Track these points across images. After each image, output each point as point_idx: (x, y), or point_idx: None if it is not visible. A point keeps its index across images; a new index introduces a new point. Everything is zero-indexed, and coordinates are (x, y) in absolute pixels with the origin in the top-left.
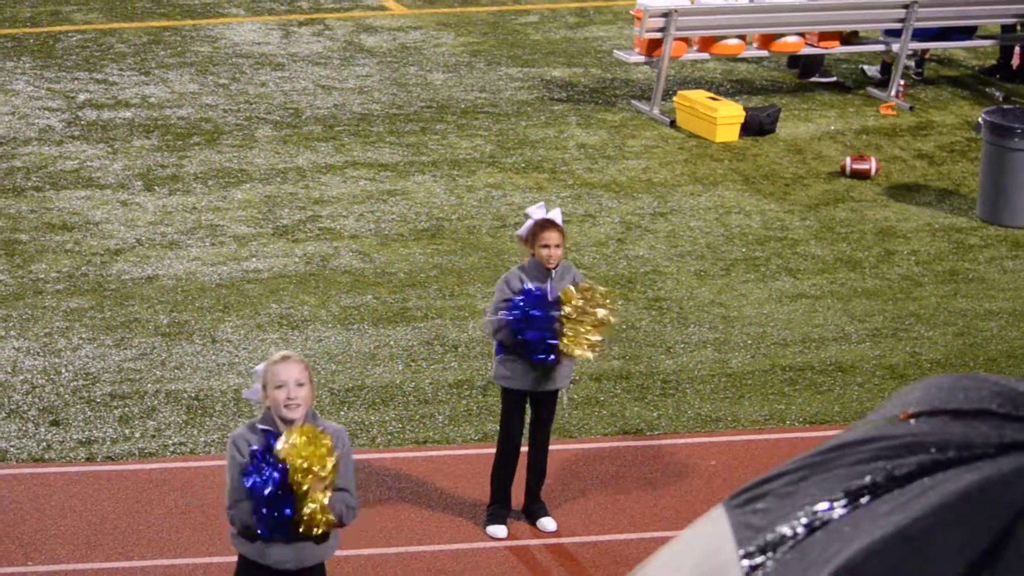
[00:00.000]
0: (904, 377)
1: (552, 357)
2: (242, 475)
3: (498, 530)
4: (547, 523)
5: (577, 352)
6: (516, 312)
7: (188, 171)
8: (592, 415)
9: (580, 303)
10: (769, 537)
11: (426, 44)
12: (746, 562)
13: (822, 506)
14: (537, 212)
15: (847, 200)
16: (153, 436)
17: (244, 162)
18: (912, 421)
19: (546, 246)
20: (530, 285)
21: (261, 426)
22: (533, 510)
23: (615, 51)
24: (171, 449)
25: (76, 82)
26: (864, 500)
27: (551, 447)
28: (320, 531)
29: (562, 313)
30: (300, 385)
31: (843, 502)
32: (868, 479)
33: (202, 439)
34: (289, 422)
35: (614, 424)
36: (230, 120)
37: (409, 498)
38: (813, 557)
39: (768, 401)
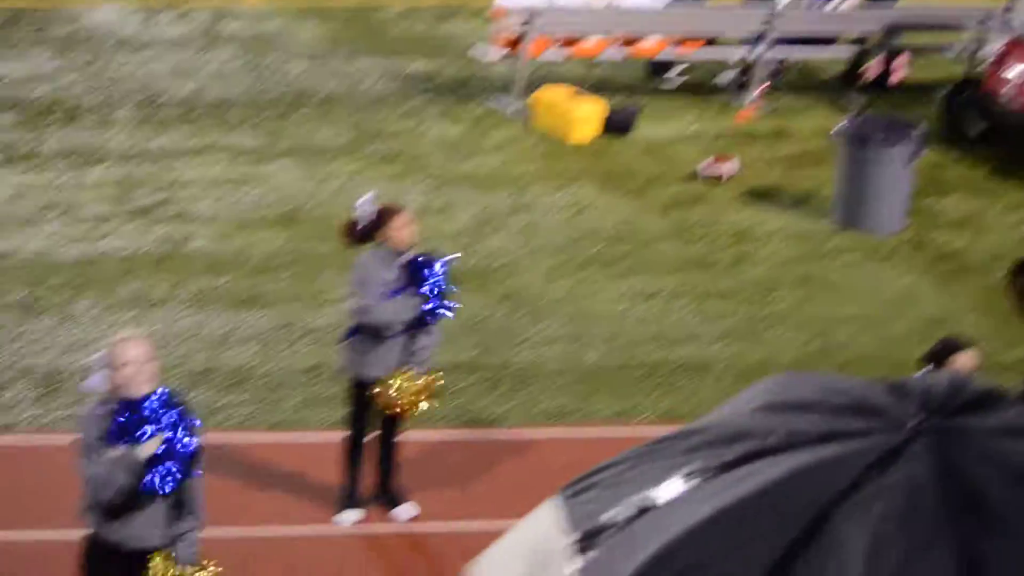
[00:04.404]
0: (758, 377)
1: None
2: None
3: (350, 515)
4: (401, 511)
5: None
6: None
7: (46, 149)
8: (443, 405)
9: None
10: (598, 523)
11: (286, 33)
12: (575, 548)
13: (648, 493)
14: (369, 205)
15: (703, 202)
16: (10, 408)
17: (102, 141)
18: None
19: (405, 226)
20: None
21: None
22: (386, 499)
23: (472, 49)
24: (26, 421)
25: None
26: (688, 486)
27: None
28: None
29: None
30: (148, 360)
31: (668, 488)
32: (691, 467)
33: (55, 415)
34: (142, 399)
35: (464, 416)
36: (89, 100)
37: (258, 480)
38: (637, 541)
39: (620, 397)
